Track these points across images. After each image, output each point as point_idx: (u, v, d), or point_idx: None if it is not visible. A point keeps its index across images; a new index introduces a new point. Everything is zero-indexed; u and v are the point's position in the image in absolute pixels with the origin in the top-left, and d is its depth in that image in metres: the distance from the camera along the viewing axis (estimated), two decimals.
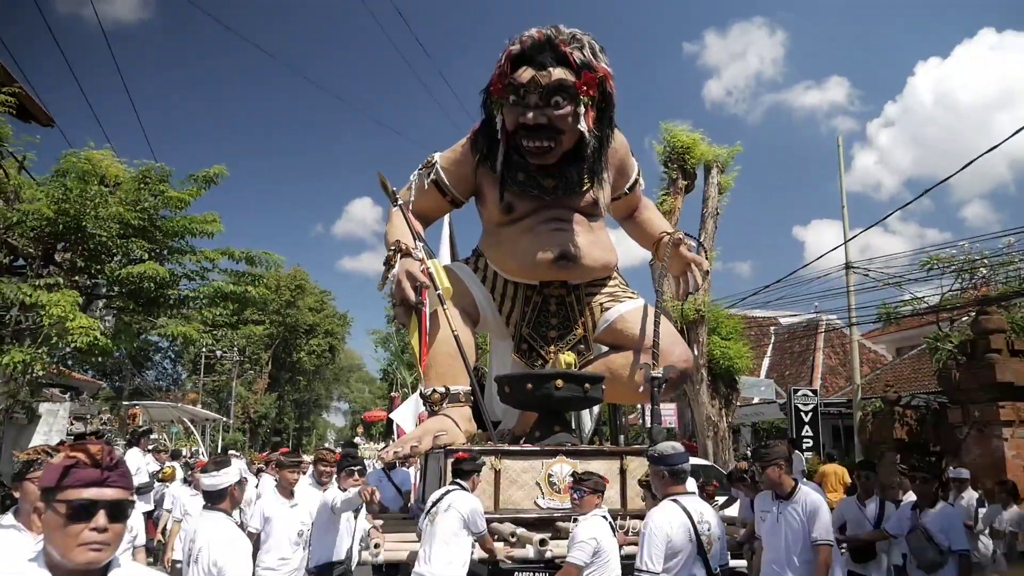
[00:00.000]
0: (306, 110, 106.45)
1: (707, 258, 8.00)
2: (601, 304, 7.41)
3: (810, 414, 14.65)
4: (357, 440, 21.83)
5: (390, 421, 17.27)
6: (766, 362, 25.79)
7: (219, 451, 28.35)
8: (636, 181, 8.06)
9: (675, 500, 4.02)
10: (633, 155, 8.01)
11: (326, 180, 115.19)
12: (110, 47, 30.43)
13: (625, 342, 7.29)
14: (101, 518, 1.66)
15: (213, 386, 37.17)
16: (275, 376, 40.83)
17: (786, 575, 4.40)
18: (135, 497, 2.26)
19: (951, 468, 8.94)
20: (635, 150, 7.89)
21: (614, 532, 4.57)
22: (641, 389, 6.76)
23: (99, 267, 9.14)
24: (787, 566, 4.41)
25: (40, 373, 8.83)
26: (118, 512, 1.72)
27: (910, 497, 6.13)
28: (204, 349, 25.44)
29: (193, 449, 25.49)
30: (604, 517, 4.55)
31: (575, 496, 4.62)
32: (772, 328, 27.19)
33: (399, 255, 6.67)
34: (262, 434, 39.36)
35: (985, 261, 11.92)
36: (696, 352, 13.32)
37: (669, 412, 17.74)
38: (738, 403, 19.51)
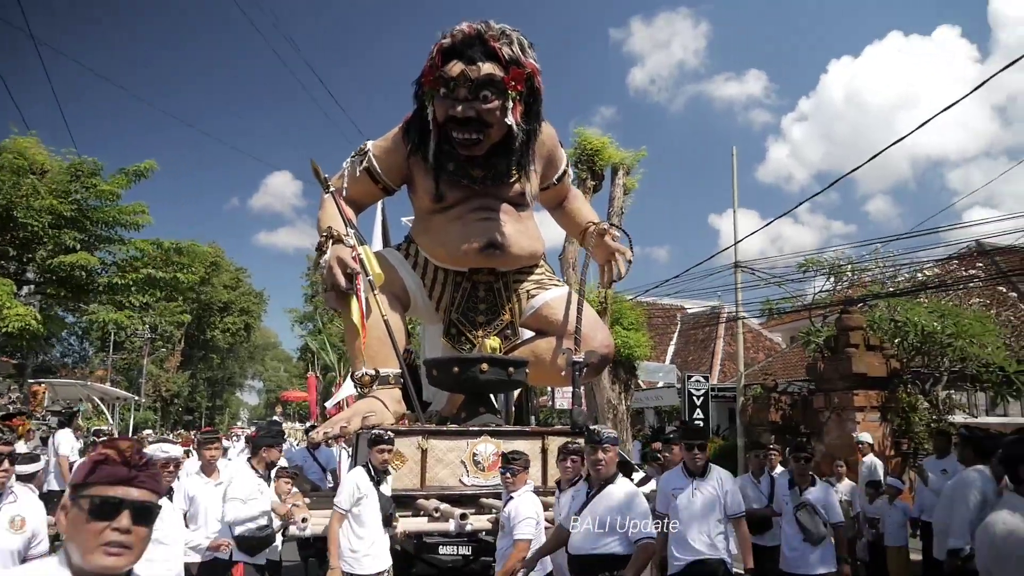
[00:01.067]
0: (226, 79, 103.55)
1: (631, 248, 8.26)
2: (528, 291, 7.75)
3: (701, 398, 16.20)
4: (276, 419, 22.31)
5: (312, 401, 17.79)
6: (671, 348, 27.55)
7: (130, 430, 28.34)
8: (565, 172, 8.32)
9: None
10: (562, 146, 8.27)
11: (243, 152, 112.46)
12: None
13: (550, 328, 7.66)
14: (125, 519, 1.60)
15: (122, 364, 36.72)
16: (188, 354, 40.56)
17: (703, 547, 4.69)
18: (163, 502, 2.46)
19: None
20: (560, 134, 8.22)
21: None
22: (564, 373, 7.01)
23: (29, 255, 9.68)
24: (704, 538, 4.71)
25: None
26: (144, 515, 1.65)
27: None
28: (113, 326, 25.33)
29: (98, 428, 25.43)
30: (532, 492, 4.88)
31: (507, 475, 4.82)
32: (679, 315, 28.97)
33: (331, 241, 6.86)
34: (174, 412, 39.20)
35: (848, 267, 13.63)
36: None
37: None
38: (641, 387, 21.14)
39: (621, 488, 4.24)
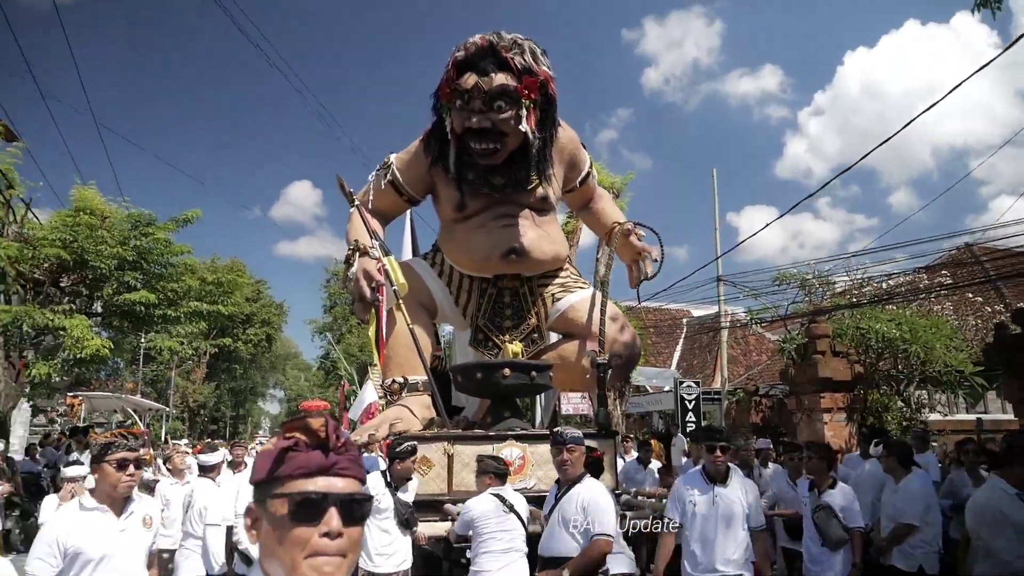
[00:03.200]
0: (247, 89, 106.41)
1: (660, 246, 8.12)
2: (553, 295, 7.94)
3: (693, 402, 17.97)
4: None
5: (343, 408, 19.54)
6: (678, 351, 29.26)
7: (162, 439, 30.52)
8: (588, 174, 8.43)
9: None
10: (585, 148, 8.39)
11: (265, 162, 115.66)
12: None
13: (576, 330, 7.85)
14: (334, 519, 1.23)
15: (151, 376, 39.00)
16: (212, 365, 42.80)
17: (721, 563, 4.37)
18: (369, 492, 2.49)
19: (756, 440, 10.66)
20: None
21: (510, 508, 4.79)
22: (589, 375, 7.20)
23: (98, 293, 11.74)
24: (723, 552, 4.39)
25: (56, 380, 11.43)
26: (353, 512, 1.27)
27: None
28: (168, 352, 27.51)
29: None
30: (495, 495, 4.86)
31: None
32: (684, 319, 30.67)
33: (357, 254, 7.06)
34: (200, 422, 41.44)
35: (815, 280, 15.42)
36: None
37: (580, 400, 20.88)
38: (648, 391, 22.89)
39: (587, 487, 4.29)
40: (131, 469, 3.22)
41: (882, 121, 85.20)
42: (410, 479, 5.51)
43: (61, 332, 10.73)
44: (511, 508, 4.80)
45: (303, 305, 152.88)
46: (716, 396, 20.37)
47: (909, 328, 13.75)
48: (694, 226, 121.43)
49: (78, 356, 11.15)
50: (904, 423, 14.32)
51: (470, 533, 4.84)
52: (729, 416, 16.82)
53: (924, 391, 15.31)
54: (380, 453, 8.39)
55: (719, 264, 17.00)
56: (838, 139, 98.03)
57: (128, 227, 11.88)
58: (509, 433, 6.51)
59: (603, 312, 7.42)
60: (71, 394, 29.12)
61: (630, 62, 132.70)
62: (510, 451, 6.26)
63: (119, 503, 3.24)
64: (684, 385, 18.14)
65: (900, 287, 16.20)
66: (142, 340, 13.18)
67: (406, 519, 5.25)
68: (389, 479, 5.30)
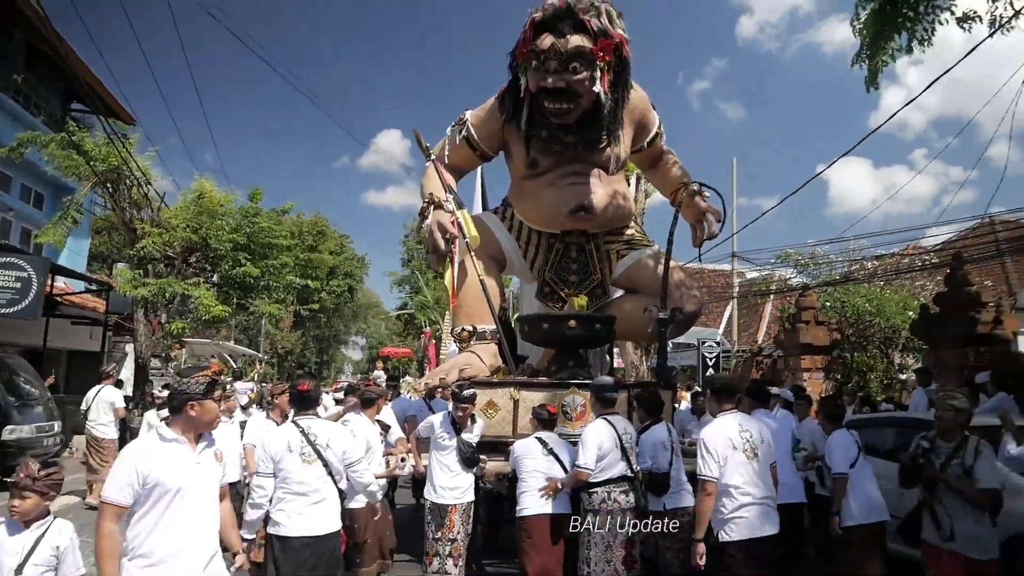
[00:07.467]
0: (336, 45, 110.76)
1: (724, 208, 8.40)
2: (618, 251, 8.41)
3: (714, 359, 21.38)
4: (378, 373, 27.28)
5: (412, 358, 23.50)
6: (727, 311, 32.38)
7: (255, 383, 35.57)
8: (657, 134, 8.81)
9: (605, 418, 5.31)
10: (655, 109, 8.75)
11: (355, 111, 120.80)
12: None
13: (639, 286, 8.35)
14: None
15: (244, 324, 44.41)
16: (298, 315, 48.03)
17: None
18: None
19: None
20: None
21: (549, 451, 5.47)
22: (649, 329, 7.60)
23: (216, 268, 16.15)
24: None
25: (188, 333, 15.96)
26: None
27: None
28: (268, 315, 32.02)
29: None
30: (538, 438, 5.57)
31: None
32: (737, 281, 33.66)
33: (432, 207, 7.60)
34: (288, 367, 46.87)
35: (804, 260, 18.66)
36: None
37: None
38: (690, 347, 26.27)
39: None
40: (221, 405, 3.18)
41: (986, 72, 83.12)
42: (471, 422, 5.95)
43: (191, 299, 15.16)
44: (550, 451, 5.47)
45: (384, 258, 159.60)
46: (729, 354, 23.74)
47: (877, 303, 16.92)
48: (783, 177, 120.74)
49: (204, 317, 15.60)
50: (885, 382, 17.56)
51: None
52: (735, 372, 20.29)
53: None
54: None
55: (734, 241, 20.30)
56: (938, 90, 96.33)
57: (240, 217, 16.21)
58: (573, 381, 6.87)
59: (666, 269, 7.71)
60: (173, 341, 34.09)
61: (724, 11, 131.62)
62: (573, 399, 6.61)
63: (195, 437, 3.34)
64: (706, 344, 21.54)
65: (888, 267, 19.23)
66: (251, 306, 17.38)
67: (467, 457, 5.74)
68: (453, 420, 5.81)
